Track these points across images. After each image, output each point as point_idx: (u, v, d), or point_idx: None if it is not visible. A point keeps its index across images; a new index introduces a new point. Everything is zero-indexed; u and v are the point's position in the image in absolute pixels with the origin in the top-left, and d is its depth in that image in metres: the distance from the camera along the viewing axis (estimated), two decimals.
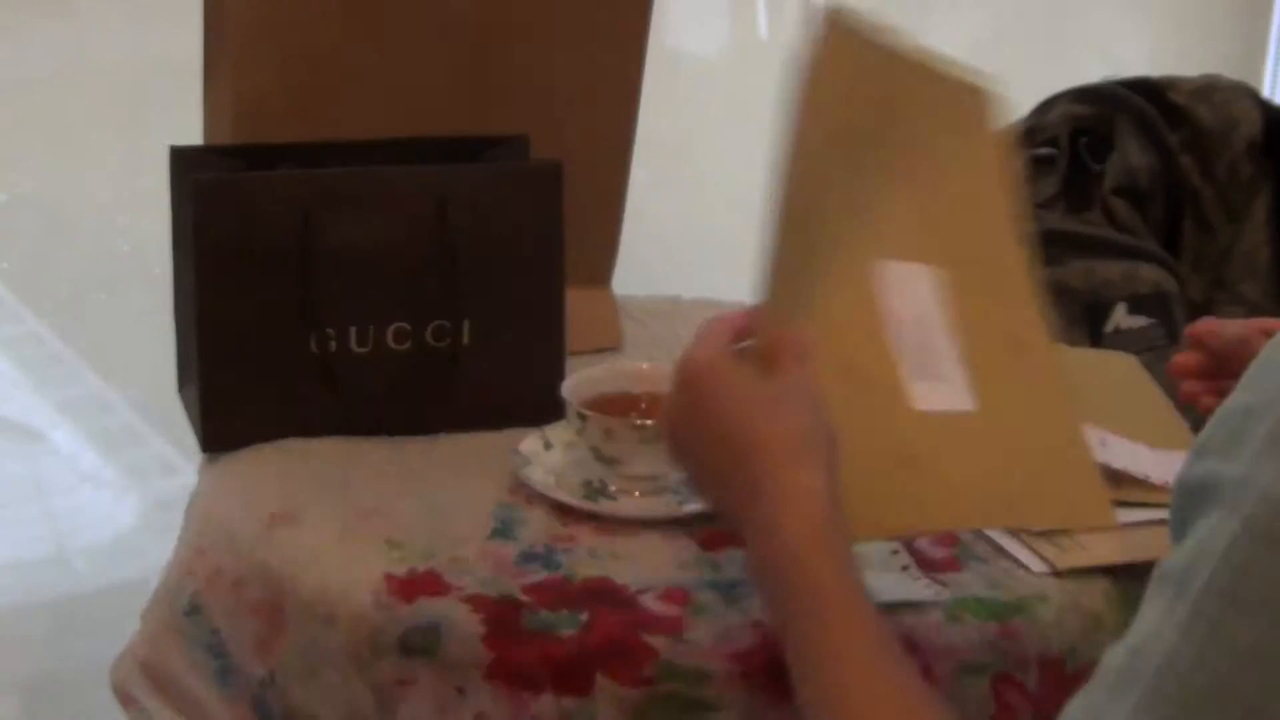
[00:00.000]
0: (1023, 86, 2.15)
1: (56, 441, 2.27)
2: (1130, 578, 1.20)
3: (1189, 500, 0.71)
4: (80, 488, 2.28)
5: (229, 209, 1.34)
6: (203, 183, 1.33)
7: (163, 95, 1.75)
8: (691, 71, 2.40)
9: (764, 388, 1.00)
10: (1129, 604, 1.19)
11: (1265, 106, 2.11)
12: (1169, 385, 1.48)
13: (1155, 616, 0.71)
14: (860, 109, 1.08)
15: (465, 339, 1.39)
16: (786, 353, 1.01)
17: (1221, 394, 0.99)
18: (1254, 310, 1.96)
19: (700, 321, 1.07)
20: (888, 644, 0.92)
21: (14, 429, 2.27)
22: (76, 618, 2.15)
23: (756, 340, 1.04)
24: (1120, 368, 1.58)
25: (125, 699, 1.31)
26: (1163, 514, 1.26)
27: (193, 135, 1.56)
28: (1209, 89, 2.09)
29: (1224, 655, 0.68)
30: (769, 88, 2.44)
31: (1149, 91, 2.08)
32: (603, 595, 1.15)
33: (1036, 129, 2.08)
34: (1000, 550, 1.24)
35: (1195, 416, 1.36)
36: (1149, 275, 1.96)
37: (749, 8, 2.42)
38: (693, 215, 2.32)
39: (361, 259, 1.36)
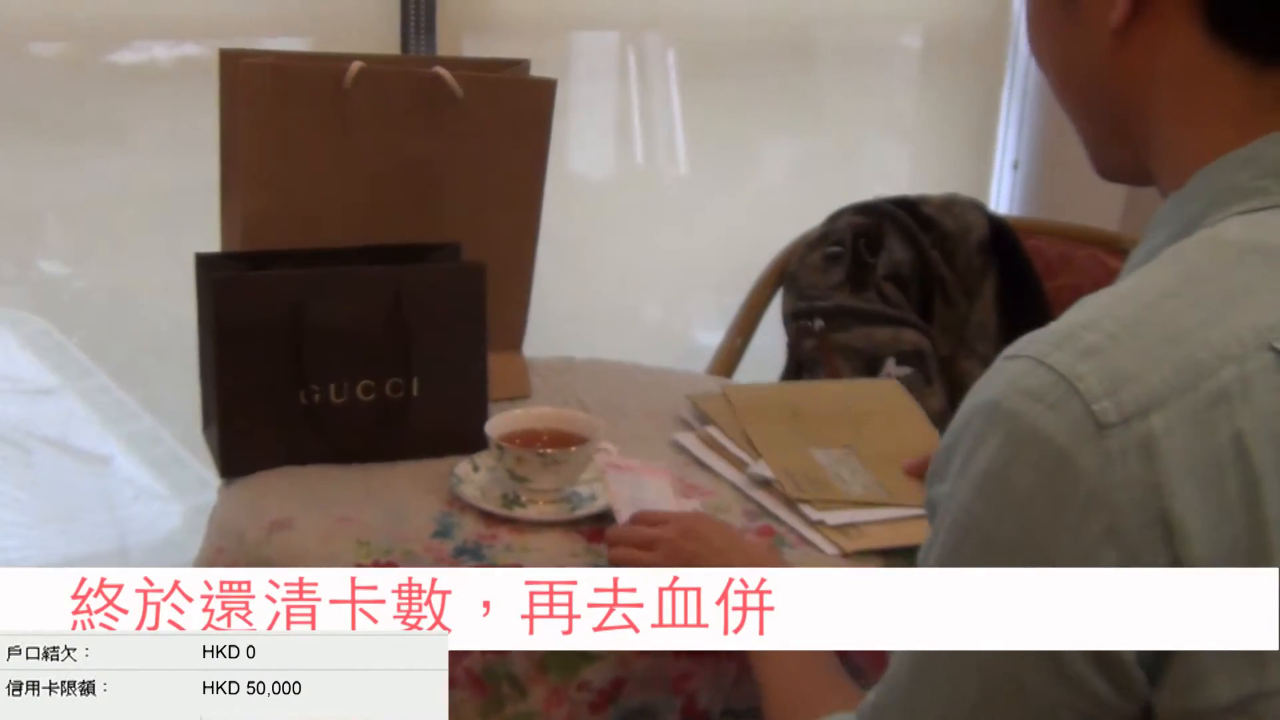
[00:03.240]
0: (823, 202, 2.17)
1: (120, 465, 2.22)
2: (898, 556, 1.21)
3: (929, 511, 0.76)
4: (138, 500, 2.22)
5: (239, 299, 1.32)
6: (219, 280, 1.32)
7: (193, 211, 1.73)
8: (585, 187, 2.40)
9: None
10: None
11: (990, 216, 2.14)
12: (925, 404, 1.48)
13: None
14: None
15: (415, 392, 1.37)
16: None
17: None
18: (986, 363, 1.98)
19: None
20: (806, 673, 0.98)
21: (88, 456, 2.22)
22: None
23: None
24: (887, 391, 1.56)
25: None
26: (910, 512, 1.29)
27: (214, 242, 1.54)
28: (950, 203, 2.12)
29: None
30: (643, 199, 2.45)
31: (908, 205, 2.10)
32: None
33: (829, 233, 2.09)
34: (804, 539, 1.24)
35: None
36: (910, 338, 1.97)
37: (628, 142, 2.43)
38: (584, 296, 2.31)
39: (338, 334, 1.34)
